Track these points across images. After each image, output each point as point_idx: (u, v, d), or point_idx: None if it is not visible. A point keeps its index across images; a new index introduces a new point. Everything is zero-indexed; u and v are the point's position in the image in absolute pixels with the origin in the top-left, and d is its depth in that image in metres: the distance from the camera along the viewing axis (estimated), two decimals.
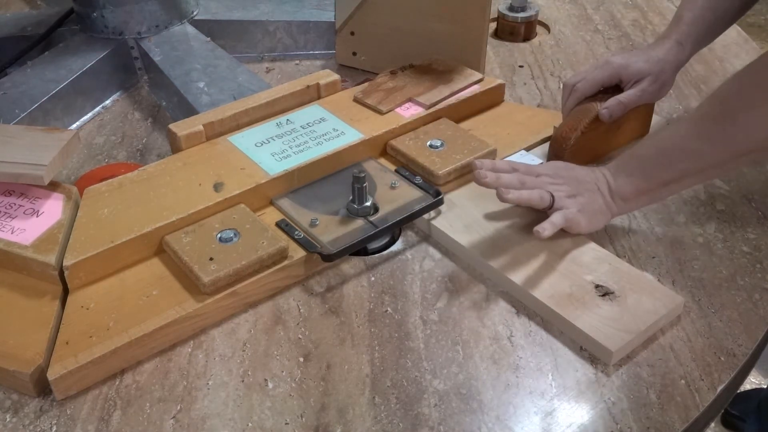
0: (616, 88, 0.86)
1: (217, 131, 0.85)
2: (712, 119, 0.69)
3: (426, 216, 0.78)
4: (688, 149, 0.70)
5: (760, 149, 0.67)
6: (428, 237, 0.78)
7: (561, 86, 1.05)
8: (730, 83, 0.69)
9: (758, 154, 0.68)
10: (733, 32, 1.20)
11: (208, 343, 0.67)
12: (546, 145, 0.88)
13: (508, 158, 0.85)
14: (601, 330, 0.64)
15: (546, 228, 0.70)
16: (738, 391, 0.69)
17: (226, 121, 0.85)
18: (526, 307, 0.70)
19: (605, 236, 0.78)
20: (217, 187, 0.77)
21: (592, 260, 0.72)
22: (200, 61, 1.03)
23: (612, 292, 0.68)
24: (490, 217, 0.78)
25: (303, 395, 0.62)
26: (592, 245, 0.74)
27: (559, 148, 0.83)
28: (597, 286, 0.69)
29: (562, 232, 0.73)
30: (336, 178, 0.82)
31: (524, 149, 0.88)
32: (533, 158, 0.85)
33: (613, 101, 0.84)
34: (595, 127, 0.84)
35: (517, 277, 0.70)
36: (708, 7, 0.84)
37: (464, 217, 0.77)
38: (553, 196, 0.73)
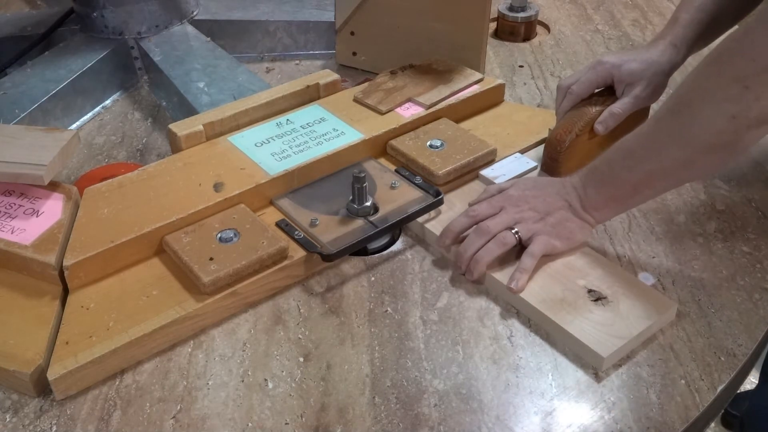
0: (610, 88, 0.86)
1: (217, 131, 0.85)
2: (671, 114, 0.67)
3: (420, 219, 0.77)
4: (650, 147, 0.68)
5: (723, 143, 0.64)
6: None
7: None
8: (686, 79, 0.67)
9: (725, 151, 0.65)
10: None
11: (208, 343, 0.67)
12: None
13: (503, 160, 0.85)
14: (592, 335, 0.64)
15: (519, 278, 0.68)
16: (738, 392, 0.68)
17: (226, 121, 0.85)
18: None
19: (605, 236, 0.78)
20: (217, 187, 0.77)
21: (585, 264, 0.72)
22: (200, 61, 1.03)
23: (604, 297, 0.68)
24: None
25: (303, 395, 0.62)
26: (586, 249, 0.74)
27: (553, 151, 0.83)
28: (589, 291, 0.69)
29: None
30: (336, 178, 0.82)
31: (519, 152, 0.87)
32: (528, 161, 0.85)
33: (606, 114, 0.83)
34: (590, 130, 0.83)
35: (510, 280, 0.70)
36: (705, 10, 0.82)
37: None
38: (517, 233, 0.71)
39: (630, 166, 0.69)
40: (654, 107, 0.91)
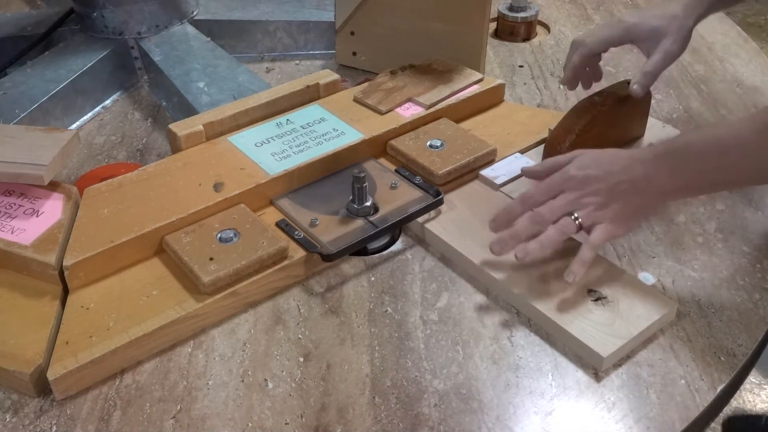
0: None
1: (217, 131, 0.85)
2: None
3: (420, 219, 0.77)
4: (745, 151, 0.64)
5: None
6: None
7: (561, 86, 1.06)
8: None
9: None
10: (733, 32, 1.20)
11: (208, 343, 0.67)
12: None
13: (503, 160, 0.85)
14: (592, 335, 0.64)
15: (577, 272, 0.67)
16: (737, 415, 0.68)
17: (226, 121, 0.85)
18: None
19: None
20: (217, 187, 0.77)
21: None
22: (200, 61, 1.03)
23: (604, 297, 0.68)
24: (485, 220, 0.77)
25: (303, 395, 0.62)
26: None
27: (553, 151, 0.82)
28: (590, 291, 0.69)
29: None
30: (336, 178, 0.82)
31: (519, 152, 0.87)
32: (528, 161, 0.85)
33: (639, 75, 0.80)
34: (590, 129, 0.83)
35: (510, 281, 0.70)
36: None
37: (458, 221, 0.77)
38: (578, 219, 0.68)
39: (717, 164, 0.66)
40: (658, 105, 0.91)
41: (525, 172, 0.76)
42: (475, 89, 0.94)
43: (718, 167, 0.66)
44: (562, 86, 1.05)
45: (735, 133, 0.66)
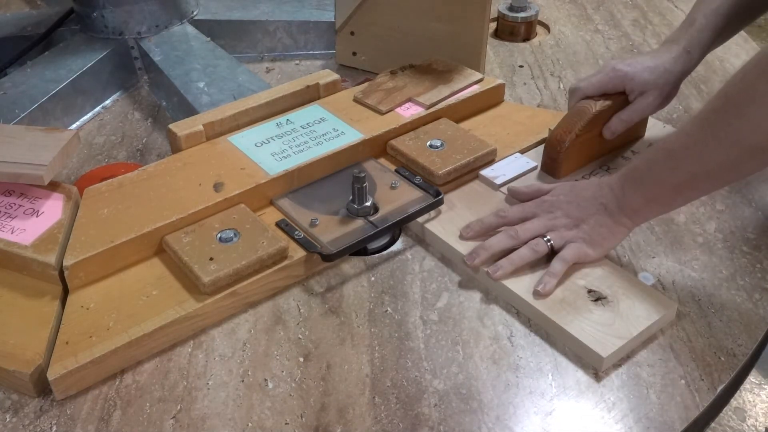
0: (619, 93, 0.85)
1: (217, 131, 0.85)
2: (717, 114, 0.65)
3: (420, 219, 0.77)
4: (694, 147, 0.66)
5: None
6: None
7: (561, 86, 1.06)
8: (734, 77, 0.65)
9: None
10: None
11: (208, 343, 0.67)
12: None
13: (503, 160, 0.85)
14: (592, 335, 0.64)
15: (547, 282, 0.68)
16: None
17: (226, 121, 0.85)
18: None
19: None
20: (217, 187, 0.77)
21: (585, 265, 0.72)
22: (200, 61, 1.03)
23: (604, 297, 0.68)
24: None
25: (303, 395, 0.62)
26: None
27: (553, 151, 0.83)
28: (589, 291, 0.69)
29: None
30: (336, 178, 0.82)
31: (519, 152, 0.87)
32: (528, 161, 0.85)
33: (615, 120, 0.84)
34: (590, 129, 0.83)
35: (510, 281, 0.70)
36: (722, 14, 0.81)
37: (458, 221, 0.77)
38: (549, 241, 0.71)
39: (672, 167, 0.67)
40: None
41: (511, 192, 0.80)
42: (475, 89, 0.94)
43: (672, 169, 0.68)
44: (562, 86, 1.05)
45: (679, 132, 0.69)
